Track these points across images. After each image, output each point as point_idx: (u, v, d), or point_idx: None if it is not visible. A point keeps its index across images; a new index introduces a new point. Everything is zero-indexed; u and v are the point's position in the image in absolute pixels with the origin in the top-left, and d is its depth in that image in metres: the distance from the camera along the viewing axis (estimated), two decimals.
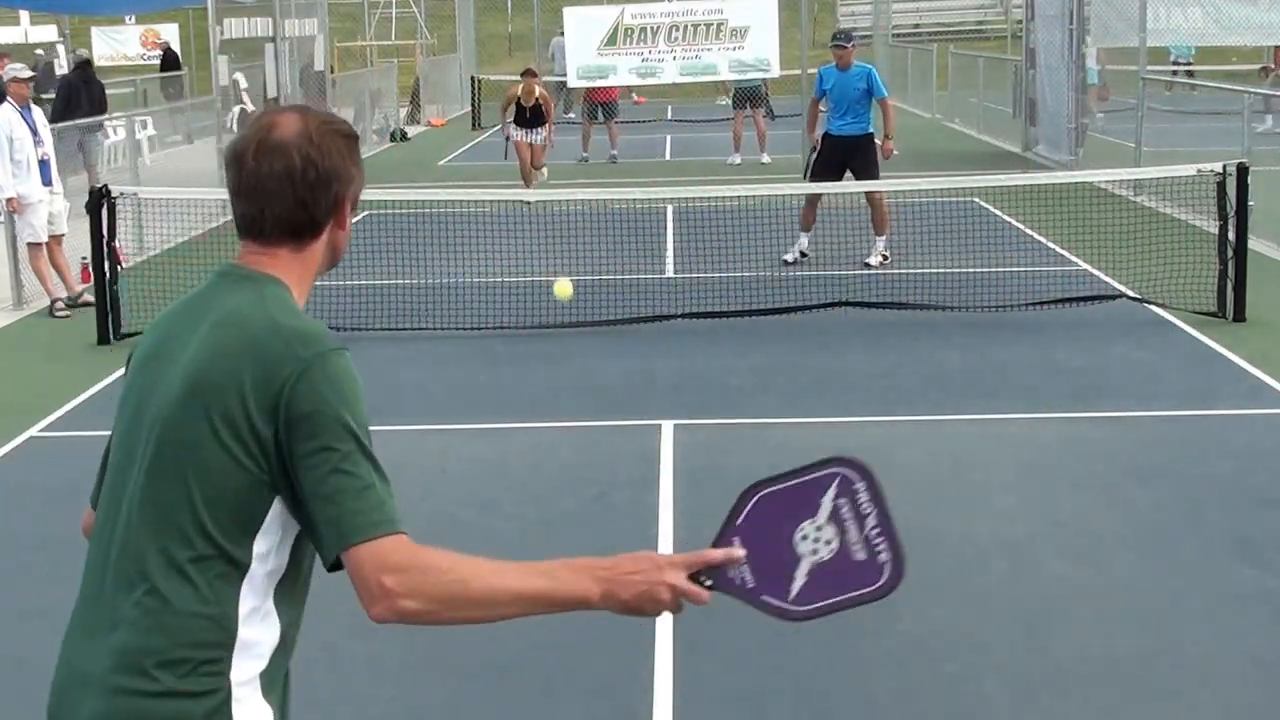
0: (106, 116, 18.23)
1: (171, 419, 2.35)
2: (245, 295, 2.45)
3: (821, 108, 12.72)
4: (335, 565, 2.30)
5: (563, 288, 9.87)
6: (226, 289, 2.49)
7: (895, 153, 12.91)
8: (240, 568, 2.32)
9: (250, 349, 2.34)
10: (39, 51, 27.28)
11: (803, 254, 12.47)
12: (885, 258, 12.32)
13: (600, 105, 21.79)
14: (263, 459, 2.30)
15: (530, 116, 17.30)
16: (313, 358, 2.32)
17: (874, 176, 12.36)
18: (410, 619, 2.36)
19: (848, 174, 12.35)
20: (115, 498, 2.43)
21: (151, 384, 2.43)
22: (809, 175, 12.70)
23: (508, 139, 17.79)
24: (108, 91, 19.45)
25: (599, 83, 20.56)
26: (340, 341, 2.39)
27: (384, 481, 2.32)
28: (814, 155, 12.69)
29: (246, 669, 2.34)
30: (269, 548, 2.34)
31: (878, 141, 12.64)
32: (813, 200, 12.42)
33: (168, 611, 2.30)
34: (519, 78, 18.14)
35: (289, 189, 2.43)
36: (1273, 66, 24.89)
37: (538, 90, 17.29)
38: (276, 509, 2.33)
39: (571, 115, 21.31)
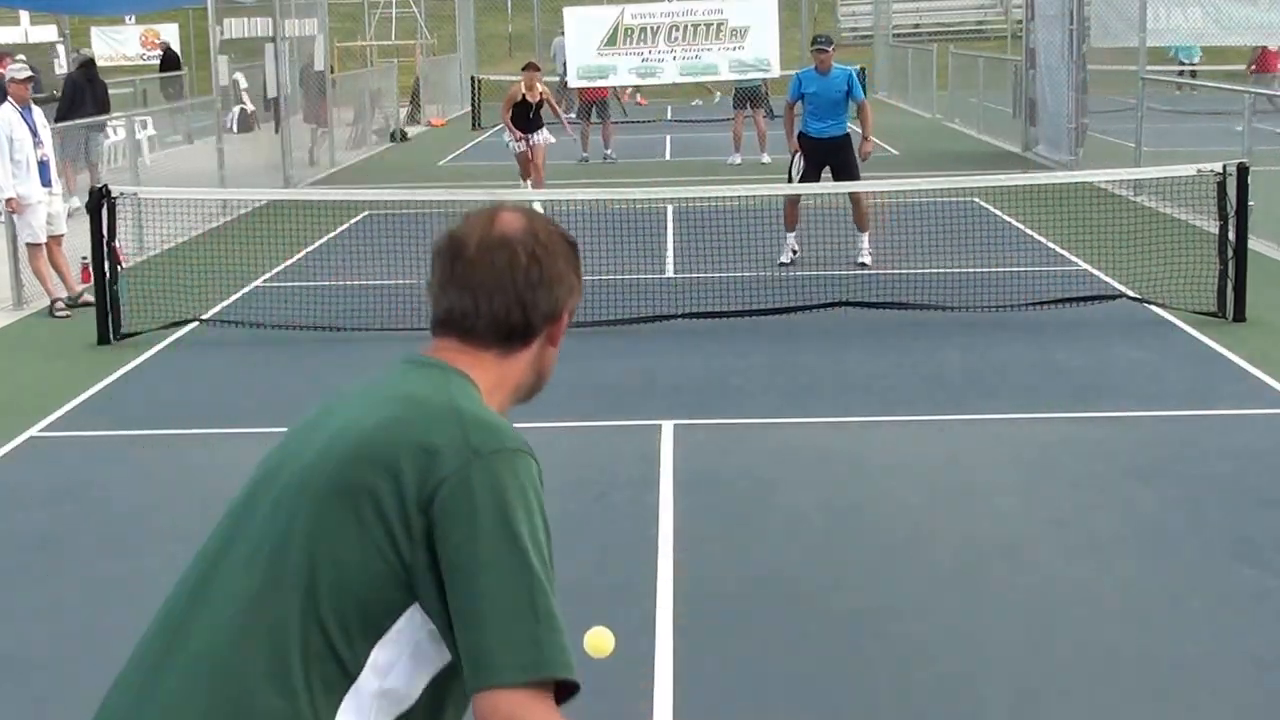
0: (109, 116, 18.23)
1: (312, 486, 2.05)
2: (429, 380, 2.17)
3: (796, 110, 12.67)
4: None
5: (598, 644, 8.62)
6: (409, 372, 2.22)
7: (872, 152, 12.85)
8: (349, 675, 1.96)
9: (421, 427, 2.06)
10: (21, 57, 27.28)
11: (794, 252, 12.49)
12: (870, 251, 12.36)
13: (592, 104, 21.82)
14: (407, 553, 1.97)
15: (532, 116, 16.19)
16: (490, 454, 2.05)
17: (854, 175, 12.38)
18: None
19: (826, 174, 12.37)
20: (214, 558, 2.13)
21: (297, 450, 2.15)
22: (797, 178, 12.69)
23: (518, 141, 16.13)
24: (110, 92, 19.44)
25: (599, 83, 20.57)
26: (528, 445, 2.14)
27: (548, 616, 1.96)
28: (797, 158, 12.68)
29: None
30: (389, 663, 1.98)
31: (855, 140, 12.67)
32: (794, 200, 12.45)
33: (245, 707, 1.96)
34: (519, 75, 16.99)
35: (510, 285, 2.20)
36: (1254, 68, 24.94)
37: (540, 85, 16.29)
38: (410, 621, 1.98)
39: (571, 115, 21.33)
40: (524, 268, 2.20)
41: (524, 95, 16.08)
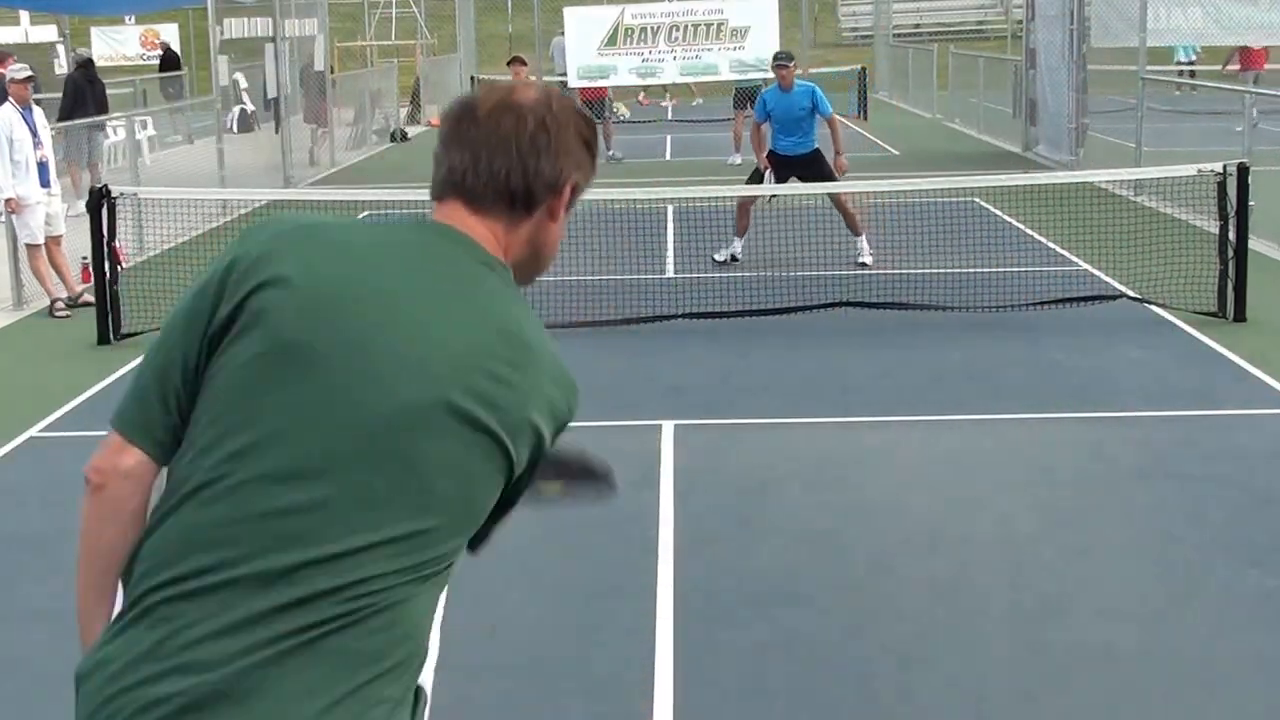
0: (108, 116, 18.24)
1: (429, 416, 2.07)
2: (495, 286, 2.18)
3: (764, 130, 12.63)
4: None
5: None
6: (453, 252, 2.17)
7: (848, 169, 12.74)
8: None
9: (546, 384, 2.23)
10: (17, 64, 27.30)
11: (734, 258, 12.36)
12: (872, 252, 12.38)
13: (590, 105, 21.83)
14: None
15: None
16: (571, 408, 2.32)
17: (832, 175, 12.36)
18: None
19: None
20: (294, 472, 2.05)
21: (374, 353, 2.06)
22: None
23: None
24: (110, 92, 19.46)
25: (599, 82, 20.58)
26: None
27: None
28: (767, 175, 12.68)
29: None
30: None
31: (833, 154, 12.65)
32: (745, 206, 12.40)
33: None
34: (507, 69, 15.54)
35: (512, 147, 2.18)
36: (1235, 67, 24.95)
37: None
38: None
39: None
40: (530, 133, 2.18)
41: None
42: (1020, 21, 26.40)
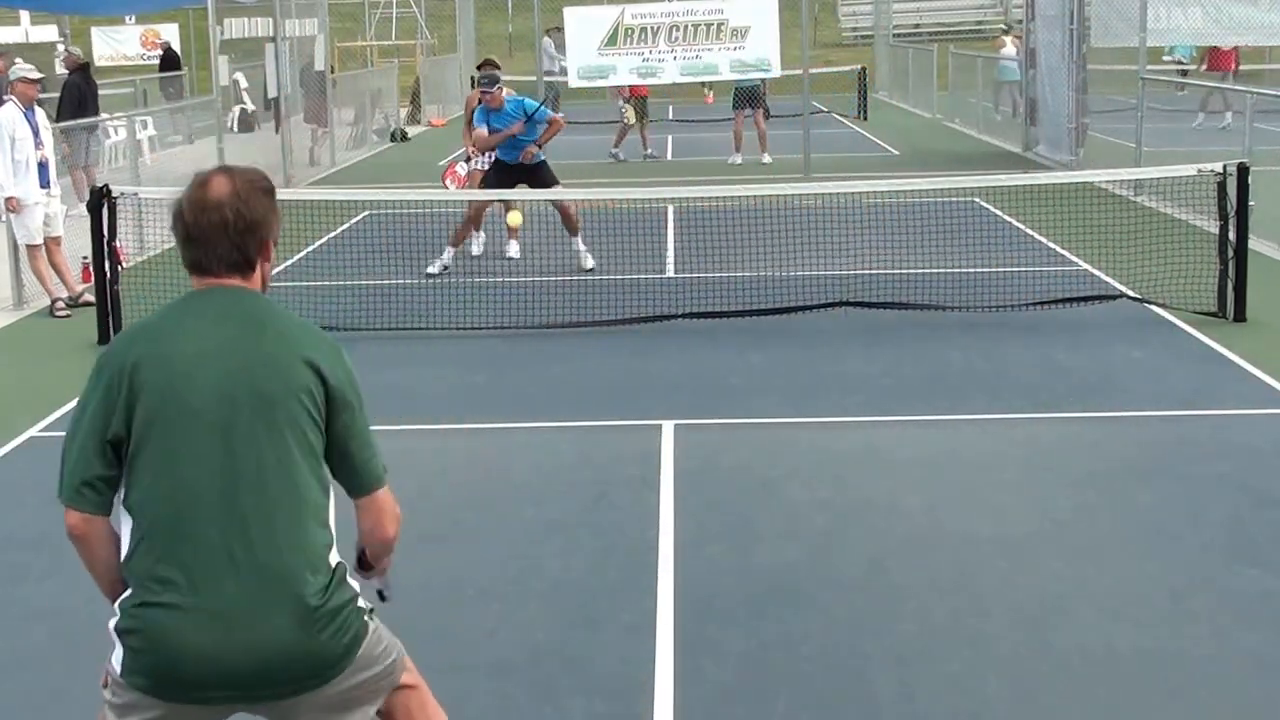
0: (108, 117, 18.26)
1: (261, 409, 3.10)
2: (254, 301, 3.26)
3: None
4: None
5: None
6: (224, 299, 3.21)
7: (536, 155, 12.23)
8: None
9: (301, 345, 3.19)
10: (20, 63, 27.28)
11: (446, 268, 12.14)
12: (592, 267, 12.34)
13: (638, 100, 21.90)
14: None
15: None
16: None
17: (554, 181, 12.31)
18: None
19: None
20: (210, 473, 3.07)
21: (210, 389, 3.09)
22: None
23: (465, 167, 13.13)
24: (110, 92, 19.50)
25: (599, 82, 20.55)
26: None
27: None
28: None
29: None
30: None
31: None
32: (478, 211, 12.40)
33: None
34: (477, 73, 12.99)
35: (224, 237, 3.15)
36: (1207, 69, 24.93)
37: (503, 95, 12.33)
38: None
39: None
40: (232, 223, 3.14)
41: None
42: (1020, 21, 26.37)
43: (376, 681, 3.23)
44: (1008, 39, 26.81)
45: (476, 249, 12.50)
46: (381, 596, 3.69)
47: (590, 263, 12.26)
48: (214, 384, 3.05)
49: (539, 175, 12.31)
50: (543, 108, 12.62)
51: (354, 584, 3.24)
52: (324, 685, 3.09)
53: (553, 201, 12.38)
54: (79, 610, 5.48)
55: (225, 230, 3.12)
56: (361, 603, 3.22)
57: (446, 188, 12.27)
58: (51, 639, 5.23)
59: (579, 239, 12.38)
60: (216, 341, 3.10)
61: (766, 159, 20.06)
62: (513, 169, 12.31)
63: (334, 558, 3.20)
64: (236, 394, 3.06)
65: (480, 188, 12.49)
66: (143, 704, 3.11)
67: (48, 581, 5.78)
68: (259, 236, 3.18)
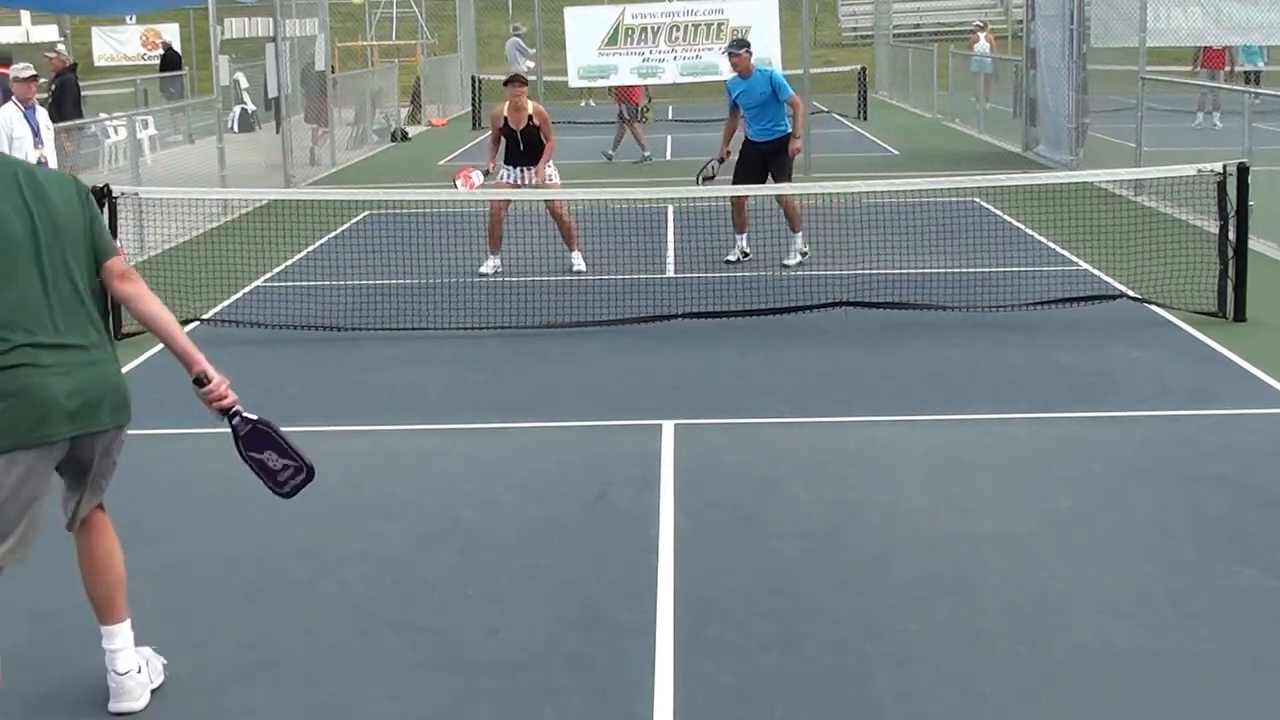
0: (106, 117, 18.27)
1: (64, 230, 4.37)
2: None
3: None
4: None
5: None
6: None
7: (799, 153, 12.71)
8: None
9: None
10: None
11: (745, 254, 12.48)
12: (804, 254, 12.39)
13: (625, 105, 21.85)
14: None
15: (524, 146, 12.39)
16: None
17: (788, 177, 12.38)
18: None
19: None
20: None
21: (27, 220, 4.30)
22: (713, 178, 12.69)
23: (479, 177, 12.42)
24: (110, 92, 19.50)
25: (599, 82, 20.57)
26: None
27: None
28: (716, 163, 12.77)
29: None
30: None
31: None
32: (738, 204, 12.41)
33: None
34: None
35: None
36: (1197, 69, 24.93)
37: (530, 106, 12.46)
38: None
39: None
40: None
41: (506, 119, 12.42)
42: (1020, 21, 26.41)
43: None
44: (981, 35, 29.44)
45: (487, 269, 12.22)
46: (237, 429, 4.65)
47: (794, 259, 12.31)
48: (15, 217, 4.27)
49: (781, 161, 12.30)
50: (785, 84, 12.58)
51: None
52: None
53: (776, 196, 12.30)
54: (79, 610, 5.49)
55: None
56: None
57: (455, 187, 12.19)
58: (51, 638, 5.23)
59: (799, 236, 12.42)
60: (16, 189, 4.30)
61: None
62: (760, 149, 12.32)
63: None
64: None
65: (735, 173, 12.44)
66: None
67: (47, 580, 5.78)
68: None
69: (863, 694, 4.69)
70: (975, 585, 5.55)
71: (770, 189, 12.15)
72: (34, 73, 11.77)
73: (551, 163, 12.53)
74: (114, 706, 4.62)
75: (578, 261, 12.33)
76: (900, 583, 5.58)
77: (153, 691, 4.70)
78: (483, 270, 12.15)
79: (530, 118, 12.30)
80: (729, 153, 12.70)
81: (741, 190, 12.26)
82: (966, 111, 26.62)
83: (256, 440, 4.63)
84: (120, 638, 4.67)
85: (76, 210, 4.38)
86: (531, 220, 13.40)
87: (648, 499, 6.56)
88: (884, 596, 5.46)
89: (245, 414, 4.59)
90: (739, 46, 12.63)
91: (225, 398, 4.54)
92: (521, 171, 12.43)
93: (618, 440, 7.60)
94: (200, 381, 4.51)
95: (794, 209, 12.36)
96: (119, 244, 10.46)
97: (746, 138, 12.51)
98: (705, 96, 29.27)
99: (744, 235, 12.49)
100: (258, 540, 6.15)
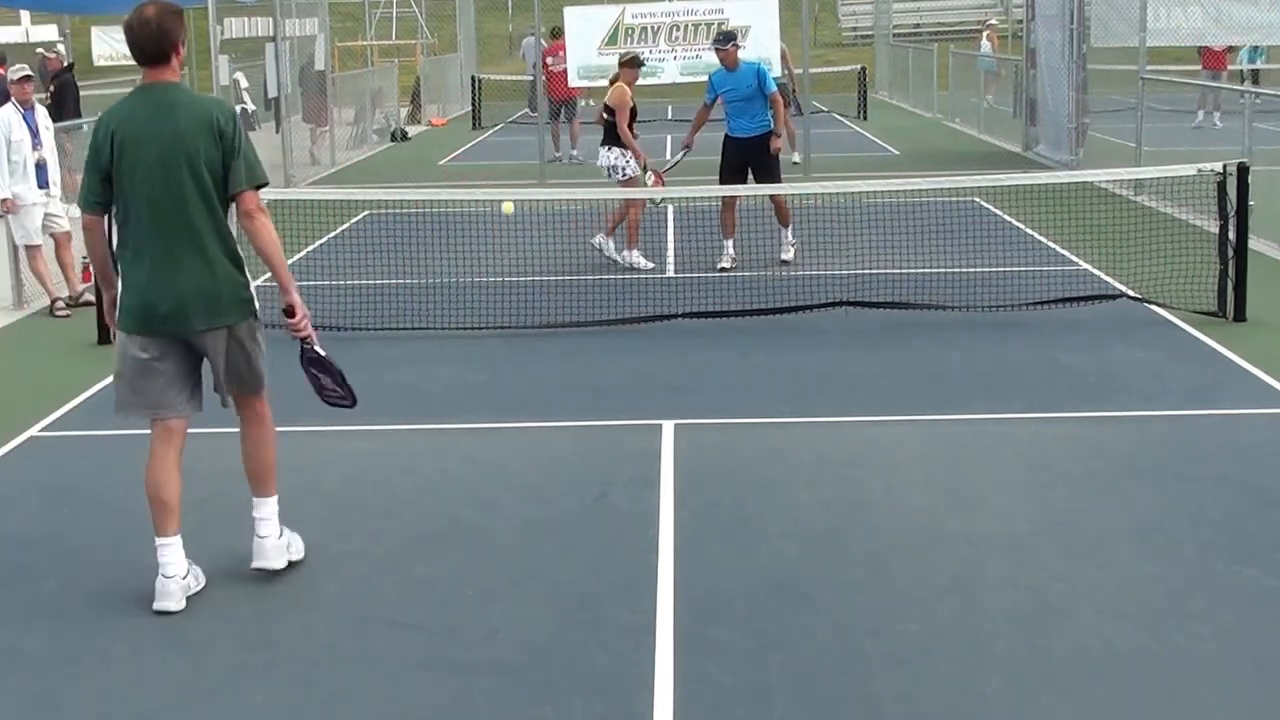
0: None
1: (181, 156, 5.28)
2: (179, 93, 5.37)
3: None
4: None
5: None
6: (156, 93, 5.36)
7: (781, 151, 12.51)
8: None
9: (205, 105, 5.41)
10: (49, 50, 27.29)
11: (733, 260, 12.28)
12: (794, 245, 12.38)
13: (561, 104, 21.59)
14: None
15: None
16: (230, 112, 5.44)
17: (775, 175, 12.29)
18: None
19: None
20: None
21: (149, 147, 5.27)
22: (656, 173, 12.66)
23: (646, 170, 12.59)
24: (109, 91, 19.51)
25: (600, 82, 20.53)
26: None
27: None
28: (682, 156, 12.80)
29: None
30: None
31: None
32: (730, 204, 12.32)
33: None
34: (619, 69, 13.02)
35: (152, 37, 5.29)
36: (1199, 69, 24.92)
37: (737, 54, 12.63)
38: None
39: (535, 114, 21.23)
40: (154, 32, 5.28)
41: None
42: (1020, 21, 26.41)
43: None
44: (983, 36, 30.01)
45: (727, 262, 12.26)
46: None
47: (789, 254, 12.29)
48: (152, 144, 5.26)
49: (765, 158, 12.23)
50: (770, 79, 12.49)
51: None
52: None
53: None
54: (78, 610, 5.49)
55: (151, 35, 5.27)
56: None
57: (653, 201, 12.72)
58: (51, 639, 5.23)
59: (788, 230, 12.38)
60: (153, 121, 5.27)
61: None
62: (743, 145, 12.27)
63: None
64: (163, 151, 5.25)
65: (719, 173, 12.42)
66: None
67: (48, 581, 5.78)
68: (173, 40, 5.29)
69: (863, 694, 4.69)
70: (975, 585, 5.54)
71: (763, 189, 12.09)
72: (28, 73, 11.74)
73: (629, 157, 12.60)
74: (254, 565, 5.64)
75: (630, 258, 12.48)
76: (900, 583, 5.58)
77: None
78: (637, 264, 12.30)
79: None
80: (691, 145, 12.63)
81: (735, 190, 12.15)
82: (966, 111, 26.62)
83: (319, 366, 5.62)
84: (265, 509, 5.65)
85: (208, 143, 5.25)
86: (532, 220, 13.40)
87: (648, 499, 6.55)
88: (884, 596, 5.45)
89: (316, 348, 5.56)
90: (726, 40, 12.51)
91: (302, 330, 5.49)
92: (621, 154, 12.63)
93: (618, 440, 7.59)
94: (288, 312, 5.42)
95: (784, 203, 12.32)
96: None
97: (727, 134, 12.41)
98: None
99: (731, 240, 12.32)
100: None
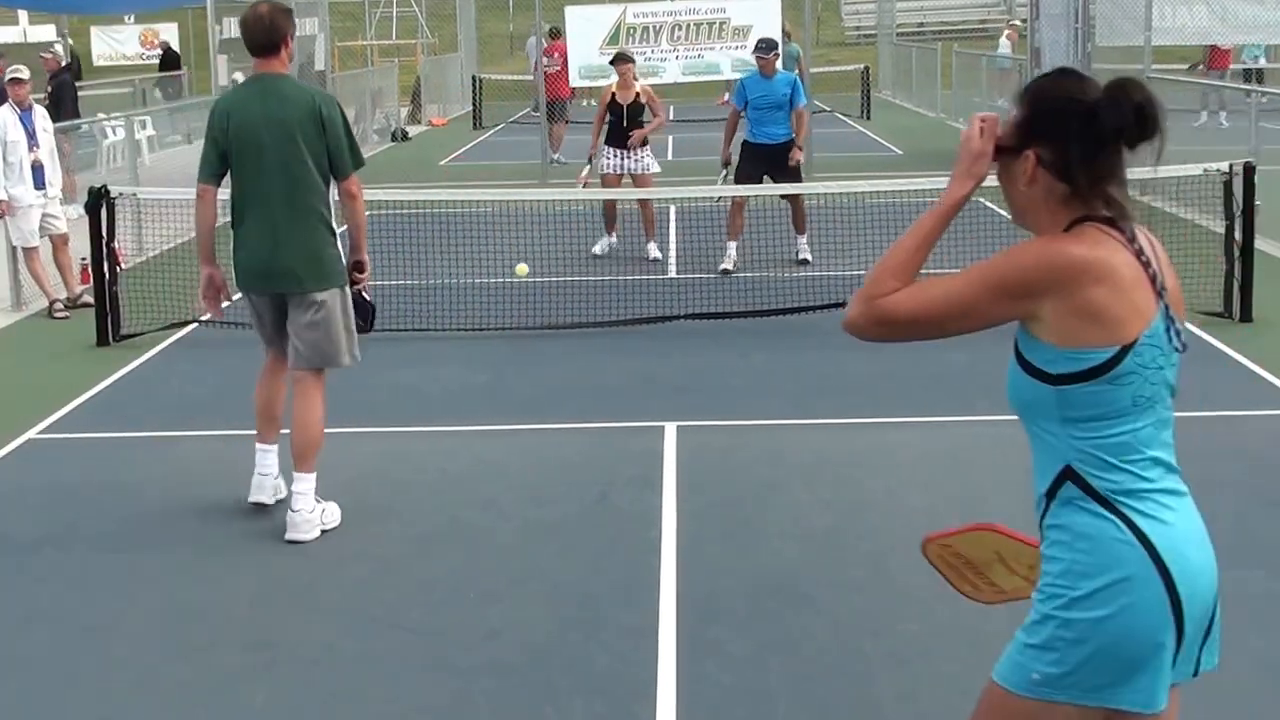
0: (104, 117, 18.27)
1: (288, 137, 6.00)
2: (279, 80, 6.07)
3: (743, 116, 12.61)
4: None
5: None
6: (266, 83, 6.06)
7: (801, 160, 12.60)
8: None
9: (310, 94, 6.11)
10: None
11: (733, 263, 12.20)
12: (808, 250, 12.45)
13: (551, 104, 21.43)
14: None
15: (628, 125, 12.75)
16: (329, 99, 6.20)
17: (796, 178, 12.32)
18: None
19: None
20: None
21: (258, 129, 6.01)
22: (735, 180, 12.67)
23: (589, 163, 13.27)
24: (109, 91, 19.50)
25: (601, 82, 20.51)
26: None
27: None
28: (725, 174, 12.81)
29: None
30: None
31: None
32: (739, 205, 12.27)
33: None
34: (610, 65, 13.49)
35: (264, 31, 6.01)
36: (1204, 67, 24.91)
37: (638, 83, 13.00)
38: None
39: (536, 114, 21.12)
40: (267, 26, 5.99)
41: (614, 95, 12.88)
42: (1025, 20, 26.39)
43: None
44: (1004, 35, 29.51)
45: (600, 249, 12.89)
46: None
47: (808, 254, 12.38)
48: (262, 128, 5.99)
49: (786, 164, 12.26)
50: (803, 93, 12.57)
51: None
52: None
53: (785, 196, 12.33)
54: (79, 610, 5.47)
55: (265, 28, 5.98)
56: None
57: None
58: (52, 639, 5.21)
59: (803, 237, 12.48)
60: (263, 107, 5.98)
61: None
62: (765, 151, 12.28)
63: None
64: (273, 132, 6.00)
65: (735, 176, 12.46)
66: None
67: (48, 582, 5.77)
68: (284, 33, 6.03)
69: (863, 694, 4.67)
70: None
71: (780, 188, 12.11)
72: (28, 75, 11.72)
73: (651, 154, 12.93)
74: (286, 536, 5.99)
75: (654, 251, 12.70)
76: (902, 583, 5.55)
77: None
78: (595, 251, 12.79)
79: (638, 95, 12.82)
80: (730, 160, 12.65)
81: (748, 191, 12.14)
82: (970, 111, 26.58)
83: (361, 311, 6.34)
84: (302, 484, 6.03)
85: (311, 129, 5.99)
86: (531, 220, 13.39)
87: (649, 500, 6.53)
88: (884, 596, 5.43)
89: (366, 294, 6.40)
90: (769, 49, 12.51)
91: (360, 283, 6.29)
92: (623, 159, 12.82)
93: (619, 441, 7.57)
94: (358, 267, 6.28)
95: (803, 210, 12.34)
96: (118, 244, 10.47)
97: (746, 140, 12.42)
98: (706, 96, 29.26)
99: (735, 243, 12.23)
100: (257, 541, 6.12)
